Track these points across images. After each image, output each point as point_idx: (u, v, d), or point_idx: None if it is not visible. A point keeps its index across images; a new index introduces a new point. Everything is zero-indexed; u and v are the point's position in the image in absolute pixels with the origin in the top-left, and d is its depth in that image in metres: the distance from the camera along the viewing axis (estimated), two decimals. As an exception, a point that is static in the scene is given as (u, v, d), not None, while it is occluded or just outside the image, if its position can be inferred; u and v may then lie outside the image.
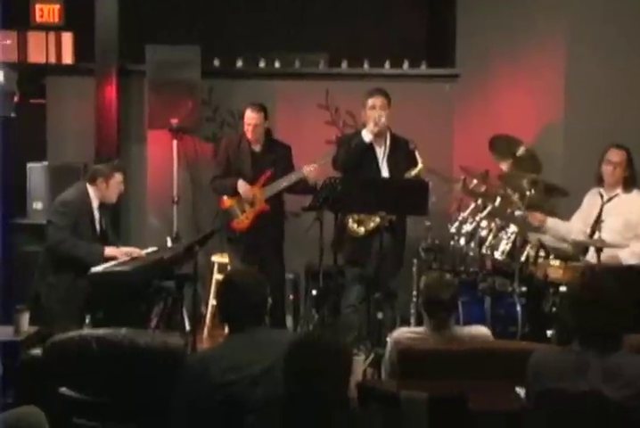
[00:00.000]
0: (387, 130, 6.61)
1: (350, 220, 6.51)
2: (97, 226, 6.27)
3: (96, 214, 6.25)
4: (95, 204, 6.24)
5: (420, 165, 6.38)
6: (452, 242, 6.59)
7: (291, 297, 7.36)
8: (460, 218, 6.57)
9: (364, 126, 6.68)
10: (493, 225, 6.40)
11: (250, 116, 6.97)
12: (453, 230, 6.57)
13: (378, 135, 6.58)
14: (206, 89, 8.06)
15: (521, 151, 6.79)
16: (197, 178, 8.12)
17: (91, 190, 6.22)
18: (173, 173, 7.78)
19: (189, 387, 3.59)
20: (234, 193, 6.97)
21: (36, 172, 7.58)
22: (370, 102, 6.56)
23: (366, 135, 6.52)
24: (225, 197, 7.07)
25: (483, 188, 6.69)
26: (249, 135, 7.01)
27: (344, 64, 8.30)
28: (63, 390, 4.10)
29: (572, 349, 3.48)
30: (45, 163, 7.74)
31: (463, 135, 8.02)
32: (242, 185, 6.95)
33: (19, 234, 7.46)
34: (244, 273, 4.06)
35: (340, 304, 6.59)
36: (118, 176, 6.29)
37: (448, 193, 7.03)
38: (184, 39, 8.02)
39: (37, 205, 7.47)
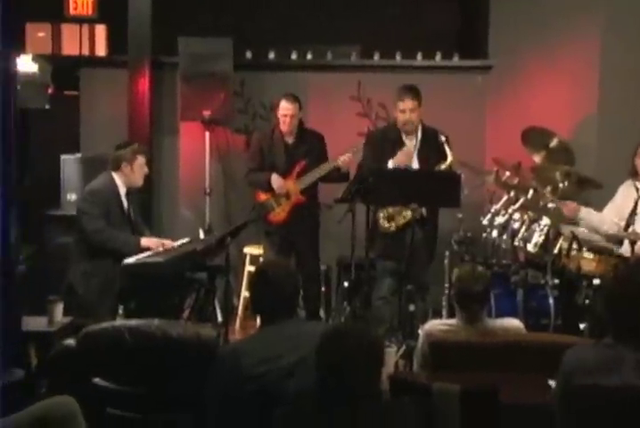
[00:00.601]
0: (418, 123, 6.58)
1: (381, 217, 6.48)
2: (126, 214, 6.30)
3: (125, 202, 6.27)
4: (123, 192, 6.25)
5: (450, 158, 6.35)
6: (484, 235, 6.57)
7: (323, 289, 7.35)
8: (492, 211, 6.55)
9: (395, 121, 6.66)
10: (525, 217, 6.37)
11: (286, 107, 6.95)
12: (485, 222, 6.55)
13: (409, 132, 6.56)
14: (238, 81, 8.07)
15: (554, 143, 6.75)
16: (229, 170, 8.13)
17: (117, 177, 6.24)
18: (205, 165, 7.80)
19: (221, 379, 3.60)
20: (269, 187, 6.97)
21: (69, 164, 7.62)
22: (400, 105, 6.52)
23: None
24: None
25: (516, 180, 6.66)
26: (284, 127, 6.99)
27: (376, 56, 8.28)
28: (97, 380, 4.12)
29: (606, 344, 3.45)
30: (79, 155, 7.77)
31: (496, 127, 7.98)
32: (275, 180, 6.94)
33: (53, 226, 7.51)
34: (277, 264, 4.05)
35: (371, 296, 6.58)
36: (140, 159, 6.30)
37: (481, 186, 7.02)
38: (216, 31, 8.04)
39: (71, 197, 7.50)
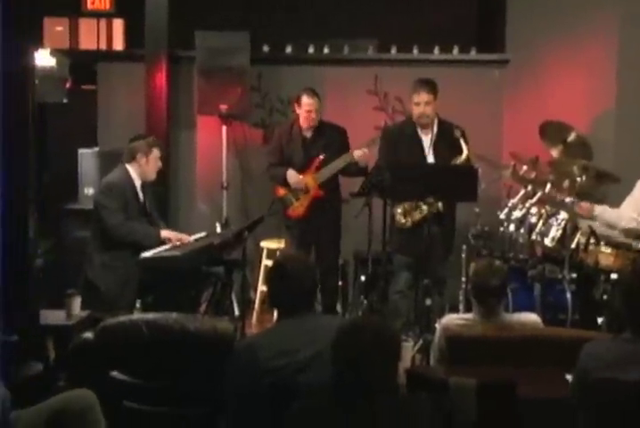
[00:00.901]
0: (434, 117, 6.57)
1: (397, 212, 6.47)
2: (142, 207, 6.29)
3: (140, 194, 6.28)
4: (138, 184, 6.24)
5: (465, 152, 6.33)
6: (501, 229, 6.55)
7: (340, 283, 7.35)
8: (509, 205, 6.53)
9: (411, 114, 6.66)
10: (543, 211, 6.34)
11: (309, 102, 6.93)
12: (502, 216, 6.53)
13: (425, 126, 6.55)
14: (255, 75, 8.06)
15: (571, 137, 6.72)
16: (246, 164, 8.14)
17: (132, 170, 6.23)
18: (222, 159, 7.80)
19: (238, 373, 3.60)
20: (286, 182, 6.97)
21: (87, 158, 7.63)
22: (415, 98, 6.53)
23: None
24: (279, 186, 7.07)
25: (533, 174, 6.64)
26: (307, 122, 6.97)
27: (393, 50, 8.26)
28: (114, 373, 4.13)
29: (624, 338, 3.44)
30: (96, 149, 7.79)
31: (513, 121, 7.95)
32: (291, 176, 6.95)
33: (70, 220, 7.52)
34: (295, 258, 4.00)
35: (388, 290, 6.58)
36: (156, 152, 6.28)
37: (498, 180, 7.01)
38: (233, 25, 8.04)
39: (89, 191, 7.49)
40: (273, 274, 3.86)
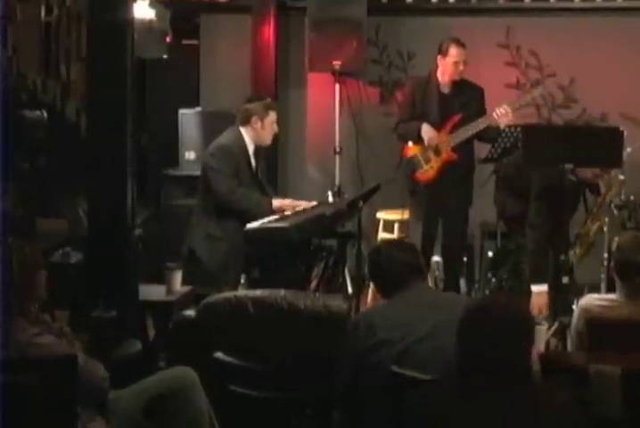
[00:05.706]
0: None
1: None
2: (255, 174, 6.33)
3: (253, 160, 6.31)
4: (251, 149, 6.28)
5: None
6: (649, 199, 6.46)
7: (465, 259, 7.30)
8: (659, 171, 6.43)
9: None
10: (698, 179, 6.24)
11: (458, 52, 6.84)
12: (651, 184, 6.44)
13: None
14: (372, 27, 8.03)
15: None
16: (361, 127, 8.12)
17: (245, 133, 6.26)
18: (335, 120, 7.81)
19: (354, 343, 3.77)
20: (419, 138, 6.89)
21: (188, 119, 7.68)
22: None
23: None
24: (410, 144, 6.98)
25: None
26: (453, 75, 6.90)
27: (527, -3, 8.15)
28: (218, 354, 4.19)
29: None
30: (199, 109, 7.85)
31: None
32: (426, 130, 6.85)
33: (170, 187, 7.59)
34: (386, 242, 4.22)
35: (520, 267, 6.53)
36: (272, 115, 6.30)
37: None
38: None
39: (190, 155, 7.55)
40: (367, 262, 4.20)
